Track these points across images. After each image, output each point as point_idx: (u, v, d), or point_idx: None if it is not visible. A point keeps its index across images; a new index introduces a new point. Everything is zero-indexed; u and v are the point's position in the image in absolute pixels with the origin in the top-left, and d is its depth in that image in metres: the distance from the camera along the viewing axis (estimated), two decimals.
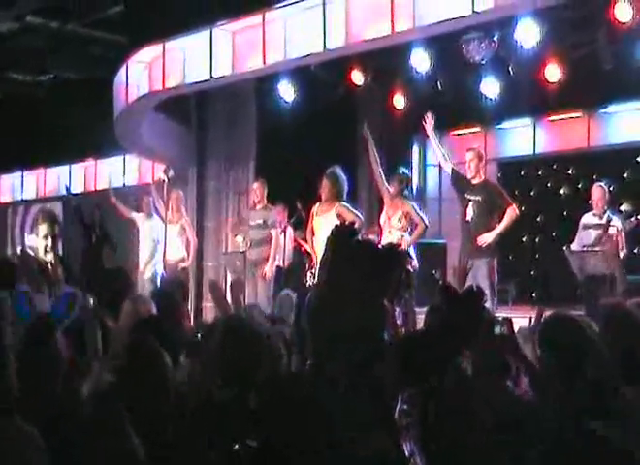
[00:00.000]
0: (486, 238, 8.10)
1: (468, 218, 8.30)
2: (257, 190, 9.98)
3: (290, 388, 2.49)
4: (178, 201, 10.78)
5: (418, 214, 8.69)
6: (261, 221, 9.82)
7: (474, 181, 8.40)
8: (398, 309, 3.86)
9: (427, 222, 8.74)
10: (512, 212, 8.21)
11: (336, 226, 2.75)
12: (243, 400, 3.06)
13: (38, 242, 6.05)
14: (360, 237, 2.77)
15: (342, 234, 2.67)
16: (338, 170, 8.54)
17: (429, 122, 8.74)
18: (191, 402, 3.11)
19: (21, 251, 8.35)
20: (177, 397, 3.01)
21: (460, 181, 8.54)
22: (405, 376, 2.65)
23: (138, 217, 11.24)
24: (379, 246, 2.87)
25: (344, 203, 8.44)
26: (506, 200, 8.34)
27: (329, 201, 8.45)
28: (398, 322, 3.67)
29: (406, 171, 9.10)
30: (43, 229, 6.11)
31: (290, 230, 10.38)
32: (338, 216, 8.34)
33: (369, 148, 8.84)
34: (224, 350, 3.44)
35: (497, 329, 3.37)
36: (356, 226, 8.48)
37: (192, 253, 11.05)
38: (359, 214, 8.50)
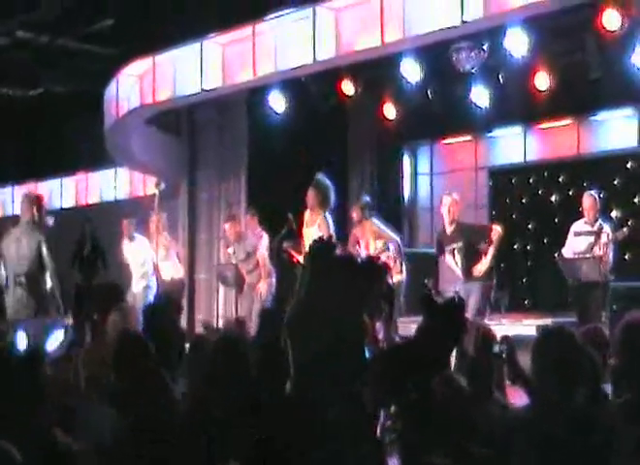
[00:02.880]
0: (480, 268, 8.21)
1: (457, 262, 8.36)
2: (230, 229, 10.01)
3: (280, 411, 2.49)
4: (157, 223, 10.66)
5: (384, 231, 8.72)
6: (243, 256, 9.83)
7: (448, 229, 8.49)
8: (379, 323, 3.84)
9: (395, 236, 8.78)
10: (497, 235, 8.35)
11: (314, 241, 2.72)
12: (235, 419, 3.05)
13: None
14: (338, 252, 2.76)
15: (320, 250, 2.65)
16: (324, 179, 8.42)
17: None
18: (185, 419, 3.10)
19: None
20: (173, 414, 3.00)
21: (438, 248, 8.63)
22: (387, 391, 2.64)
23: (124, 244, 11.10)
24: (357, 260, 2.85)
25: (327, 217, 8.33)
26: (485, 228, 8.48)
27: (314, 209, 8.34)
28: (379, 336, 3.66)
29: (367, 199, 9.14)
30: None
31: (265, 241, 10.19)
32: (319, 227, 8.28)
33: None
34: (215, 368, 3.42)
35: (497, 348, 3.38)
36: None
37: (182, 265, 10.98)
38: (332, 232, 8.41)
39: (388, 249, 8.65)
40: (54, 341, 5.68)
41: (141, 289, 10.77)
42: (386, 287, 3.12)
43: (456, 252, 8.40)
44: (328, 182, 8.39)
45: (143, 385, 2.90)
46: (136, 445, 2.78)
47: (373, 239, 8.64)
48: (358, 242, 8.81)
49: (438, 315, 2.65)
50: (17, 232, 8.05)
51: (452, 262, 8.51)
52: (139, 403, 2.84)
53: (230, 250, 10.61)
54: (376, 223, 8.76)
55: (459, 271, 8.43)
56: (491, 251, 8.32)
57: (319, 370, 2.50)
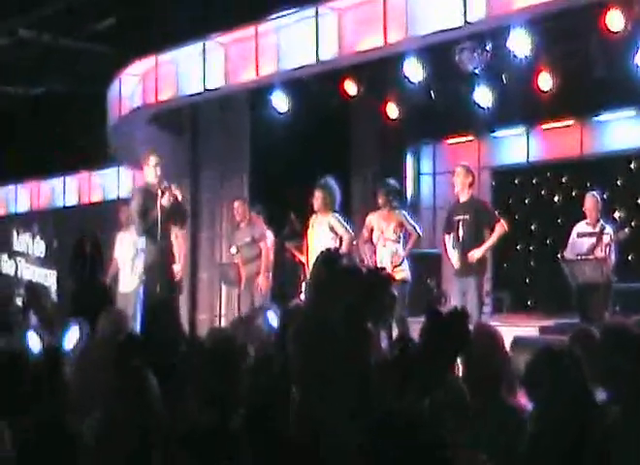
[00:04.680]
0: (475, 254, 8.08)
1: (460, 238, 8.24)
2: (238, 209, 10.02)
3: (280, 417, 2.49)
4: None
5: (410, 223, 8.74)
6: (249, 239, 9.82)
7: (461, 199, 8.36)
8: (383, 333, 3.85)
9: (420, 231, 8.79)
10: (501, 228, 8.18)
11: (322, 252, 2.73)
12: (227, 425, 3.03)
13: None
14: (344, 262, 2.77)
15: (327, 261, 2.66)
16: (331, 181, 8.53)
17: None
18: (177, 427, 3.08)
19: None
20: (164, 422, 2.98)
21: (448, 219, 8.52)
22: (389, 401, 2.64)
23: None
24: (363, 271, 2.85)
25: (337, 216, 8.42)
26: (494, 216, 8.35)
27: (322, 211, 8.46)
28: (383, 345, 3.66)
29: (392, 183, 9.09)
30: None
31: (270, 237, 10.21)
32: (331, 229, 8.34)
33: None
34: (208, 374, 3.41)
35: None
36: (346, 241, 8.46)
37: (183, 261, 10.92)
38: (349, 228, 8.47)
39: (400, 239, 8.63)
40: (71, 339, 5.63)
41: (132, 289, 10.65)
42: (389, 297, 3.11)
43: (461, 225, 8.22)
44: (334, 184, 8.47)
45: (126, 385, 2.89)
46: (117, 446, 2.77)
47: (397, 226, 8.63)
48: (371, 229, 8.76)
49: (442, 327, 2.65)
50: None
51: (449, 243, 8.39)
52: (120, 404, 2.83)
53: (232, 249, 10.61)
54: (404, 213, 8.79)
55: (454, 255, 8.31)
56: (489, 241, 8.16)
57: (323, 379, 2.50)
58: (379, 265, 7.88)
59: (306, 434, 2.54)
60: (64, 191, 15.91)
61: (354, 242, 8.55)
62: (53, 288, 15.78)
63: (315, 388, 2.63)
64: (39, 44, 12.46)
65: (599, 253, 8.64)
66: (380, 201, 8.83)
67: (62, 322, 6.22)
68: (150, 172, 8.41)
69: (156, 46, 10.45)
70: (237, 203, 10.16)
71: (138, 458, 2.66)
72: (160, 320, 4.70)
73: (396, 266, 8.34)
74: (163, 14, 11.23)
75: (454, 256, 8.29)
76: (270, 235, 10.02)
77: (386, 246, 8.62)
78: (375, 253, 8.72)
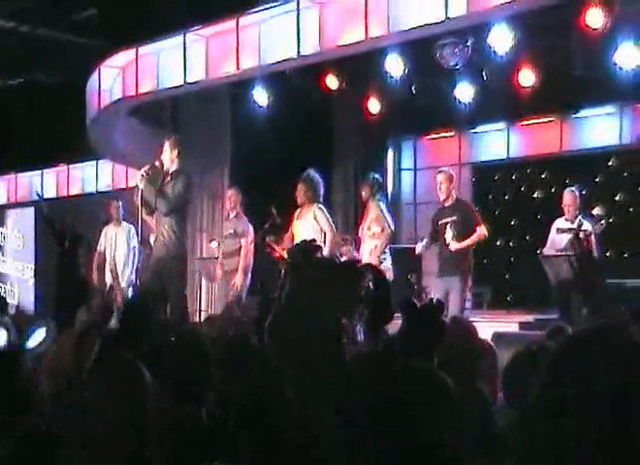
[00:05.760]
0: (454, 245, 8.13)
1: (447, 240, 8.26)
2: (231, 197, 9.81)
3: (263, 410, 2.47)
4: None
5: (384, 218, 8.70)
6: (232, 230, 9.70)
7: (446, 204, 8.42)
8: (359, 326, 3.85)
9: (392, 226, 8.76)
10: (481, 232, 8.26)
11: (297, 244, 2.72)
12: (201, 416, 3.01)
13: None
14: (319, 254, 2.75)
15: (302, 251, 2.65)
16: (313, 174, 8.42)
17: None
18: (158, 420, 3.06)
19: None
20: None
21: (434, 226, 8.57)
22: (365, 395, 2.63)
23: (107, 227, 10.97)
24: (336, 263, 2.84)
25: (322, 207, 8.33)
26: (477, 218, 8.40)
27: (305, 204, 8.35)
28: (358, 339, 3.66)
29: (377, 176, 9.12)
30: None
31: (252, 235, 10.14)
32: (315, 219, 8.27)
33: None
34: (177, 366, 3.40)
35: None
36: (328, 237, 8.43)
37: None
38: (332, 224, 8.40)
39: (378, 235, 8.63)
40: (35, 339, 5.61)
41: (125, 284, 10.64)
42: (363, 289, 3.09)
43: (448, 227, 8.24)
44: (318, 177, 8.37)
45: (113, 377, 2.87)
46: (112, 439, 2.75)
47: (374, 221, 8.63)
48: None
49: (417, 319, 2.64)
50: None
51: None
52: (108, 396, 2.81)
53: (212, 244, 10.56)
54: (381, 206, 8.78)
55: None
56: (468, 240, 8.22)
57: (300, 373, 2.49)
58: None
59: (299, 423, 2.52)
60: (42, 184, 15.80)
61: (336, 240, 8.48)
62: (31, 281, 15.69)
63: (295, 377, 2.62)
64: (19, 34, 12.35)
65: (578, 249, 8.68)
66: (364, 193, 8.87)
67: (29, 320, 6.19)
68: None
69: (137, 37, 10.38)
70: (230, 192, 9.94)
71: (132, 455, 2.64)
72: (144, 313, 4.66)
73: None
74: (144, 5, 11.16)
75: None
76: (252, 233, 9.90)
77: (365, 242, 8.64)
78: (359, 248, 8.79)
